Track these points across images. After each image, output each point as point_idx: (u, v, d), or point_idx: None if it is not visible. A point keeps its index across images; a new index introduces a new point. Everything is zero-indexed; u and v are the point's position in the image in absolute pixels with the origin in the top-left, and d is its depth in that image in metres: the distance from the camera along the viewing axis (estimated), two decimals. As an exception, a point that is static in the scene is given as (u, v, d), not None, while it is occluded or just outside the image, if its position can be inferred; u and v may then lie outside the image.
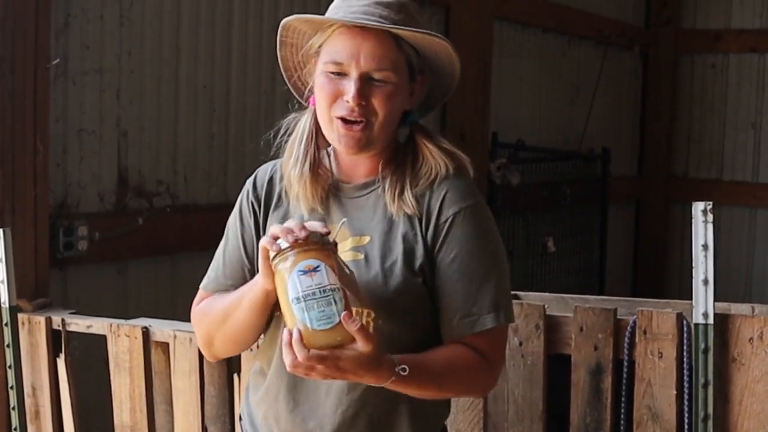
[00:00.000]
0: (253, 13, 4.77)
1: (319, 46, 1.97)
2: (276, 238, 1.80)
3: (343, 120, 1.93)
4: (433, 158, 2.00)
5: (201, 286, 2.15)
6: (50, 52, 3.72)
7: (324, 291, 1.76)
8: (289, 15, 2.01)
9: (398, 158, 2.01)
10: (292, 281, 1.77)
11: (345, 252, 1.95)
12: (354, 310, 1.90)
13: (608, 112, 8.14)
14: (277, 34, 2.03)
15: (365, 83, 1.92)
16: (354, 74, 1.91)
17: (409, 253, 1.96)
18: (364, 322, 1.91)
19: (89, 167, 4.09)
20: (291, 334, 1.75)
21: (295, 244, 1.78)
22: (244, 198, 2.11)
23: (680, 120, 8.64)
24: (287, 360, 1.77)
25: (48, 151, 3.71)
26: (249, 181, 2.13)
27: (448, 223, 1.96)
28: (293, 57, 2.05)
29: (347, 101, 1.92)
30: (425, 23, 2.01)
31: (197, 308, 2.12)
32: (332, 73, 1.93)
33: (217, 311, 2.04)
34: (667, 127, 8.62)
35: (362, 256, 1.97)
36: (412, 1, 2.00)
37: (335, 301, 1.76)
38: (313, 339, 1.75)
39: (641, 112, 8.67)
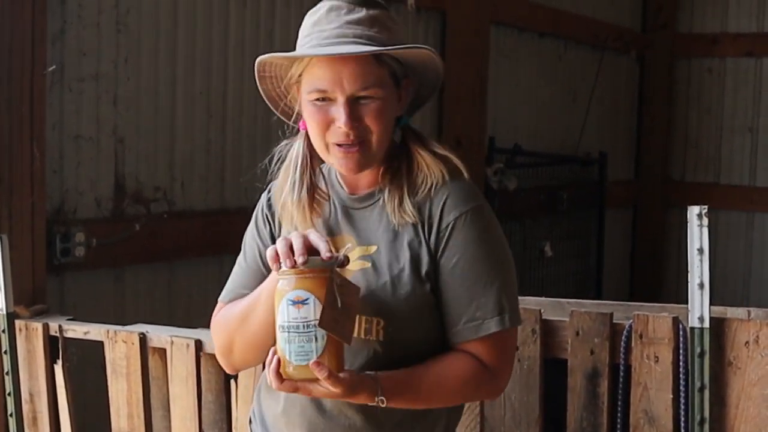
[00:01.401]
0: (250, 20, 4.77)
1: (299, 75, 1.96)
2: (278, 257, 1.83)
3: (339, 145, 1.94)
4: (427, 166, 1.99)
5: (219, 298, 2.16)
6: (46, 59, 3.72)
7: (307, 326, 1.80)
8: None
9: (394, 166, 2.02)
10: (282, 308, 1.82)
11: (353, 261, 1.95)
12: (364, 318, 1.94)
13: (605, 117, 8.15)
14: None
15: (353, 105, 1.91)
16: (341, 99, 1.91)
17: (415, 261, 1.96)
18: (373, 330, 1.94)
19: (86, 174, 4.09)
20: (272, 359, 1.83)
21: (294, 269, 1.81)
22: (260, 212, 2.13)
23: (677, 124, 8.65)
24: (267, 379, 1.86)
25: (44, 157, 3.71)
26: (264, 196, 2.15)
27: (449, 229, 1.96)
28: (275, 88, 2.04)
29: (340, 127, 1.92)
30: (399, 28, 2.00)
31: (216, 318, 2.13)
32: (318, 101, 1.93)
33: (236, 313, 2.04)
34: (664, 131, 8.63)
35: (369, 265, 1.97)
36: (382, 10, 1.97)
37: (316, 339, 1.80)
38: (290, 370, 1.82)
39: (638, 116, 8.68)
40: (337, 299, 1.82)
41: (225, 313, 2.09)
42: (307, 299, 1.80)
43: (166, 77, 4.41)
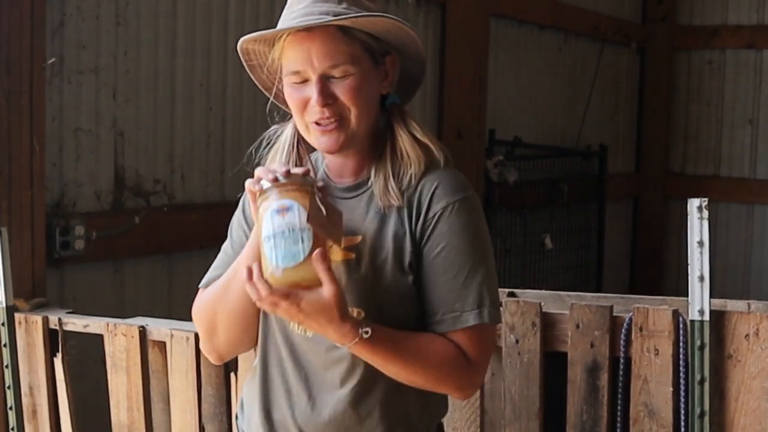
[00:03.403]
0: (249, 12, 4.77)
1: (279, 60, 1.98)
2: (260, 179, 1.84)
3: (318, 123, 1.95)
4: (407, 153, 1.99)
5: (200, 285, 2.14)
6: (46, 52, 3.71)
7: (293, 230, 1.79)
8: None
9: (379, 148, 2.02)
10: (266, 221, 1.81)
11: (336, 252, 1.94)
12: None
13: (605, 109, 8.15)
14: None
15: (326, 83, 1.93)
16: (313, 78, 1.92)
17: (398, 252, 1.96)
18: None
19: (86, 166, 4.09)
20: (253, 270, 1.79)
21: (276, 183, 1.81)
22: (246, 200, 2.12)
23: (677, 116, 8.65)
24: (252, 296, 1.81)
25: (44, 150, 3.71)
26: None
27: (436, 217, 1.96)
28: (261, 75, 2.06)
29: (314, 105, 1.93)
30: (370, 4, 1.99)
31: (196, 304, 2.12)
32: (295, 83, 1.95)
33: (216, 289, 2.04)
34: (664, 124, 8.63)
35: (353, 256, 1.97)
36: None
37: (302, 240, 1.78)
38: (279, 276, 1.79)
39: (638, 109, 8.68)
40: (322, 209, 1.83)
41: (202, 297, 2.09)
42: (291, 206, 1.80)
43: (165, 70, 4.41)
